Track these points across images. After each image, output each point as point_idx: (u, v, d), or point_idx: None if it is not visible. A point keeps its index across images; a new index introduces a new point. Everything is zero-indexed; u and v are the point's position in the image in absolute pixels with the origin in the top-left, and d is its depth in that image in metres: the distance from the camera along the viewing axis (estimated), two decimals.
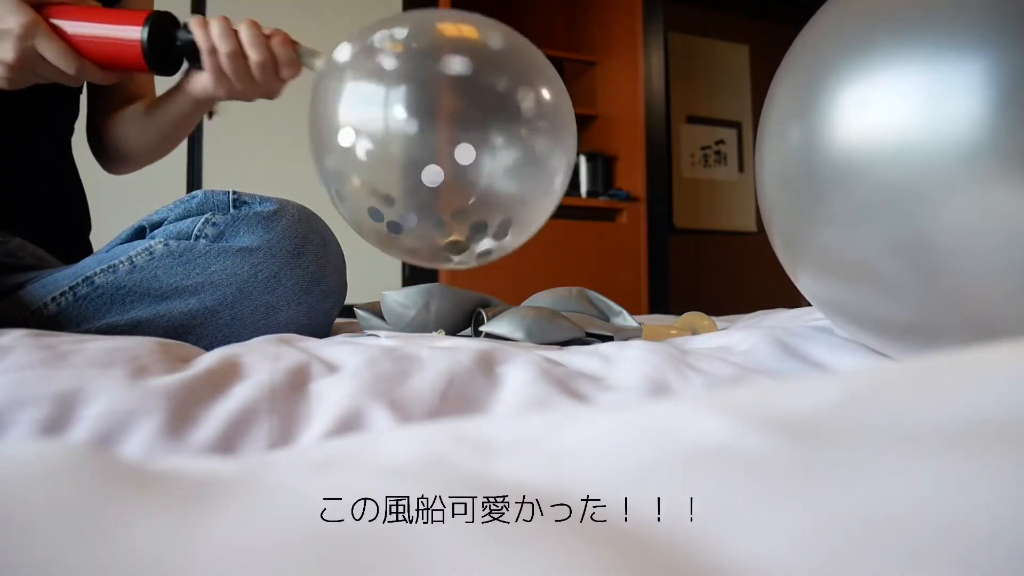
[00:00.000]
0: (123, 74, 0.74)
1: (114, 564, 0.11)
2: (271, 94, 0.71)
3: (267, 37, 0.68)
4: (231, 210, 0.67)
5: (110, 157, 0.93)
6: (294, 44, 0.68)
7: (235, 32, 0.67)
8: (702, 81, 3.75)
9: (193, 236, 0.66)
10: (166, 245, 0.66)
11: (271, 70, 0.68)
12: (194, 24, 0.67)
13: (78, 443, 0.35)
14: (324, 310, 0.71)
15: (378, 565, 0.11)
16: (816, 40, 0.47)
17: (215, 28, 0.67)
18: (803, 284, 0.52)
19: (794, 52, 0.50)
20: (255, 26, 0.68)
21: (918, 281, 0.40)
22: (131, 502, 0.13)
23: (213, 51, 0.67)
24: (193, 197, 0.68)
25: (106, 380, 0.40)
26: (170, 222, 0.68)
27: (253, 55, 0.67)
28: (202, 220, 0.66)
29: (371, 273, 2.42)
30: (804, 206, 0.46)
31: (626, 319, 0.75)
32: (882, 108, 0.40)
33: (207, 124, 2.32)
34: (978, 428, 0.14)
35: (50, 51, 0.64)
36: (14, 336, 0.47)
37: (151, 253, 0.65)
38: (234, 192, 0.68)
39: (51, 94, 0.81)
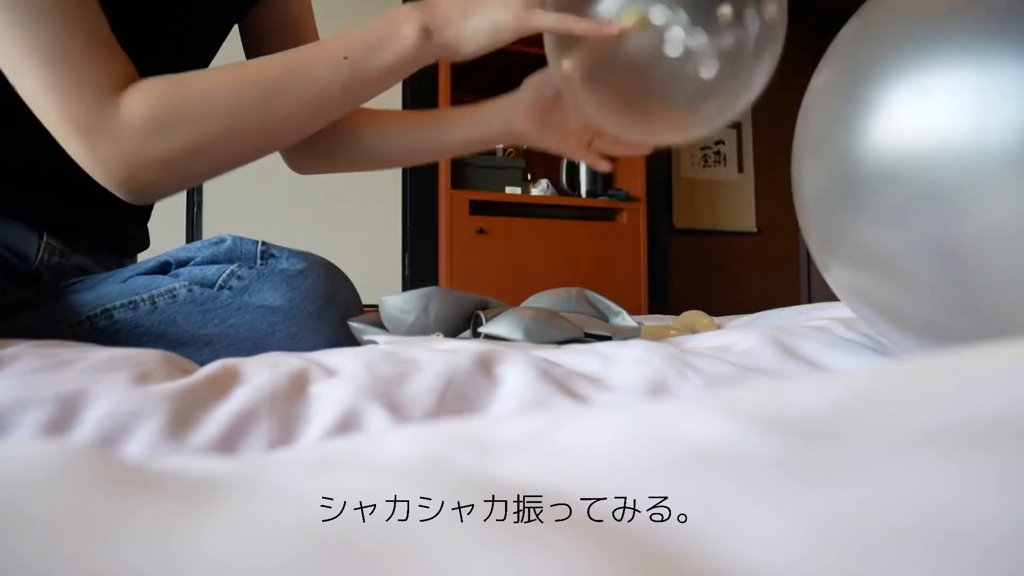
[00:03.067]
0: None
1: (115, 564, 0.11)
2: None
3: None
4: (258, 263, 0.67)
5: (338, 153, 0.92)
6: None
7: None
8: None
9: (217, 286, 0.66)
10: (189, 291, 0.65)
11: None
12: None
13: (80, 444, 0.35)
14: None
15: (378, 565, 0.11)
16: (863, 37, 0.47)
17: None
18: (833, 275, 0.52)
19: (839, 48, 0.49)
20: None
21: (948, 283, 0.40)
22: (132, 502, 0.13)
23: None
24: (222, 241, 0.68)
25: (109, 383, 0.40)
26: (196, 263, 0.68)
27: None
28: (228, 271, 0.66)
29: (371, 277, 2.42)
30: (844, 202, 0.46)
31: (625, 319, 0.75)
32: (931, 108, 0.40)
33: None
34: (980, 427, 0.14)
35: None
36: (20, 347, 0.48)
37: (174, 296, 0.65)
38: (263, 243, 0.68)
39: None
